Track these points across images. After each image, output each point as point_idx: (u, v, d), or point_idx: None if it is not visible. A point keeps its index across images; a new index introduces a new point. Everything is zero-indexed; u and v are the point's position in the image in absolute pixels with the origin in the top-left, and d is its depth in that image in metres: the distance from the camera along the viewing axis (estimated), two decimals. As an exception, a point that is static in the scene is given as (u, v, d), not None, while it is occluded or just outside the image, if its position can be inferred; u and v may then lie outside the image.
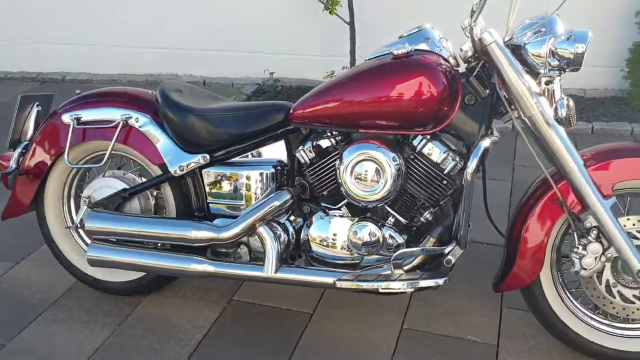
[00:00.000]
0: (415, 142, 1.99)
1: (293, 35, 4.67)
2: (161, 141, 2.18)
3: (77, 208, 2.45)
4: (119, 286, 2.42)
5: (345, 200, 2.08)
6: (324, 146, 2.08)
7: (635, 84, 4.00)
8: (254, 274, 2.08)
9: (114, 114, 2.20)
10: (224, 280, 2.49)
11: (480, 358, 2.11)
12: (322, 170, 2.09)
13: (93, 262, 2.23)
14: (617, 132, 3.84)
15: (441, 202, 2.04)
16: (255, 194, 2.13)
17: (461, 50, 1.94)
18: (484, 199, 2.15)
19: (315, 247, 2.10)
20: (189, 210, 2.24)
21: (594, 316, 2.04)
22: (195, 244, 2.12)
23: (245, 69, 4.88)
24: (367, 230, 2.01)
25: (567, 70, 1.82)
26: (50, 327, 2.32)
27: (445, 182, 1.99)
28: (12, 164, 2.34)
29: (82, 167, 2.34)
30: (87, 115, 2.24)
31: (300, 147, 2.10)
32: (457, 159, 1.97)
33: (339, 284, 1.99)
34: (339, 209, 2.10)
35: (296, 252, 2.19)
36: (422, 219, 2.04)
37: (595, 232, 1.88)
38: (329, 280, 2.01)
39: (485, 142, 1.91)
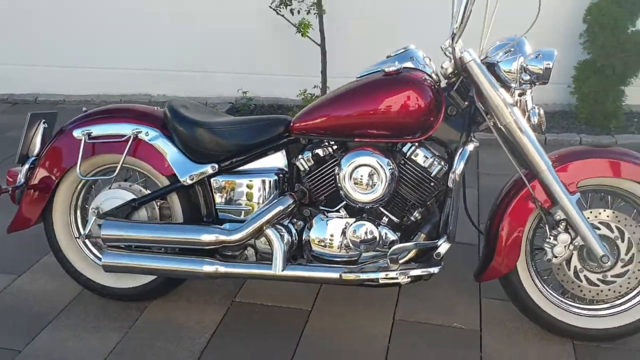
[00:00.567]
0: (405, 149, 2.24)
1: (266, 56, 4.83)
2: (170, 153, 2.34)
3: (83, 219, 2.57)
4: (127, 292, 2.55)
5: (344, 203, 2.29)
6: (321, 155, 2.29)
7: (582, 99, 4.34)
8: (263, 272, 2.27)
9: (125, 129, 2.36)
10: (225, 284, 2.67)
11: (466, 342, 2.35)
12: (320, 177, 2.30)
13: (108, 268, 2.37)
14: (567, 143, 4.15)
15: (428, 203, 2.28)
16: (260, 199, 2.33)
17: (442, 67, 2.20)
18: (464, 201, 2.41)
19: (316, 247, 2.30)
20: (195, 216, 2.40)
21: (563, 299, 2.31)
22: (207, 247, 2.29)
23: (219, 88, 5.01)
24: (365, 229, 2.23)
25: (537, 83, 2.10)
26: (62, 333, 2.42)
27: (432, 183, 2.23)
28: (21, 179, 2.45)
29: (95, 178, 2.47)
30: (98, 130, 2.38)
31: (300, 156, 2.31)
32: (442, 163, 2.21)
33: (345, 276, 2.20)
34: (338, 211, 2.31)
35: (297, 253, 2.37)
36: (412, 217, 2.28)
37: (564, 224, 2.15)
38: (334, 275, 2.22)
39: (470, 147, 2.17)
